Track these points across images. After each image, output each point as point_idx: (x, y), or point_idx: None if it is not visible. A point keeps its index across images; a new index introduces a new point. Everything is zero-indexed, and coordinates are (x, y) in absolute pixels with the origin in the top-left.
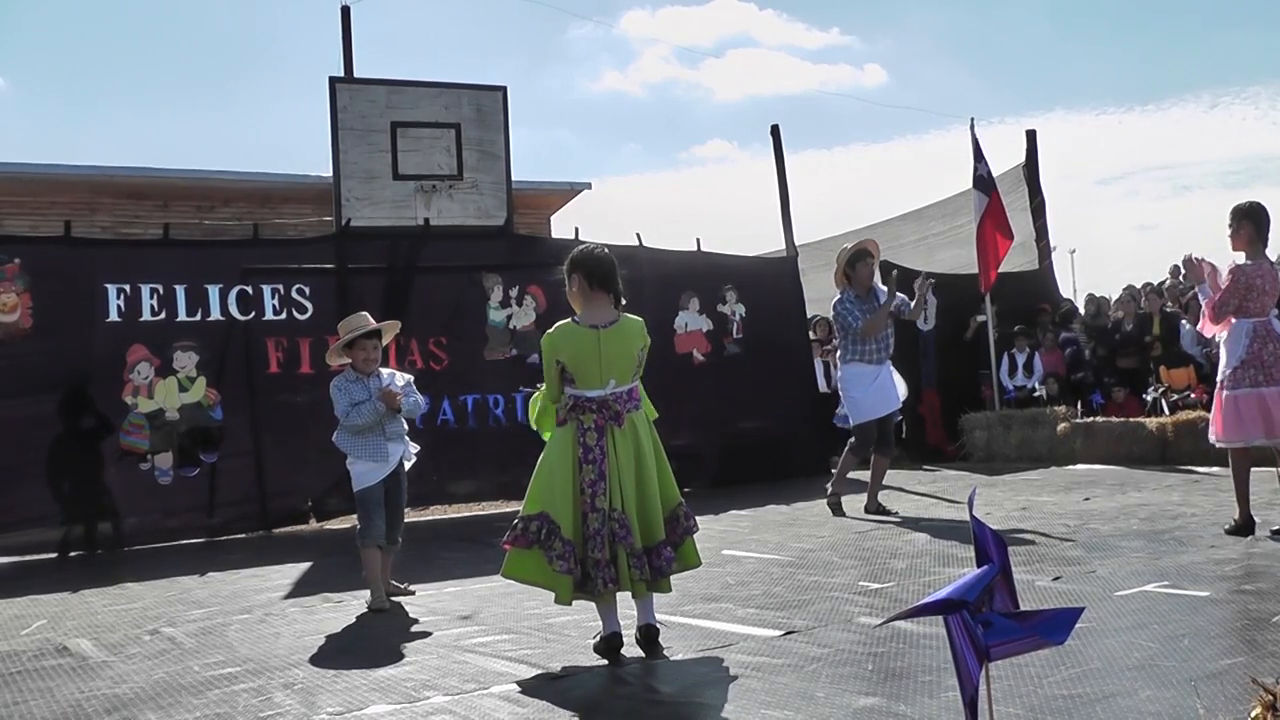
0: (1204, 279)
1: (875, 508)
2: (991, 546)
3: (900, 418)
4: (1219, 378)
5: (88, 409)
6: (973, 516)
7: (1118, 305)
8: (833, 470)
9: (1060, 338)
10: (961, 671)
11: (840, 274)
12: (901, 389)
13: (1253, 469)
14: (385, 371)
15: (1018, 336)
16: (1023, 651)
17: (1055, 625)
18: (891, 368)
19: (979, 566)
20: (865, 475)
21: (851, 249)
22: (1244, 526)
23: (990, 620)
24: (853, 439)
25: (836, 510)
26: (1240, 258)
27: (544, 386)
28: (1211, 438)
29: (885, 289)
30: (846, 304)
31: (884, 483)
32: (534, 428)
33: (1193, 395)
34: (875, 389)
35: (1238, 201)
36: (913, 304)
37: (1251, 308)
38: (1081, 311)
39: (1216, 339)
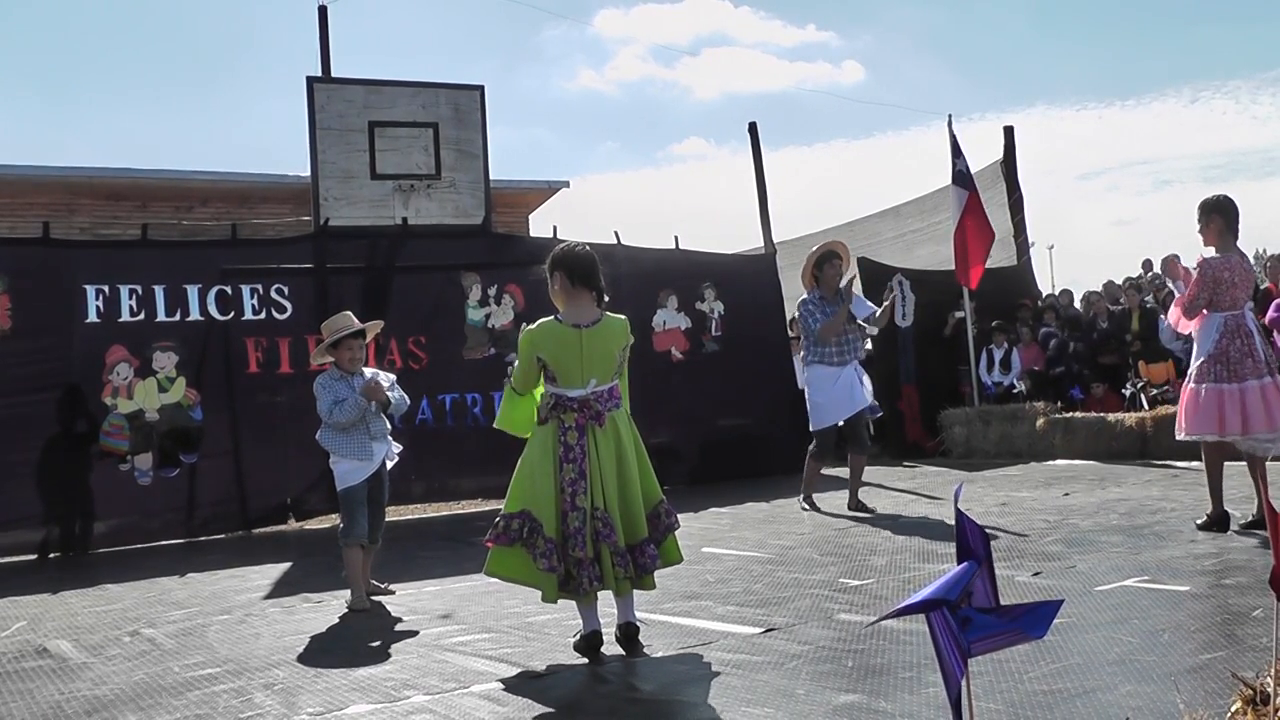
0: (1180, 277)
1: (856, 504)
2: (975, 540)
3: (880, 413)
4: (1189, 370)
5: (67, 410)
6: (957, 510)
7: (1090, 304)
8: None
9: (1040, 333)
10: (945, 669)
11: (808, 275)
12: (868, 392)
13: (1230, 463)
14: (368, 371)
15: (995, 332)
16: (1002, 646)
17: (1035, 619)
18: (858, 368)
19: (960, 561)
20: (843, 472)
21: (819, 250)
22: (1218, 521)
23: (969, 616)
24: (813, 445)
25: (816, 511)
26: (1210, 252)
27: (512, 378)
28: (1176, 431)
29: (870, 305)
30: (810, 305)
31: (863, 479)
32: (498, 426)
33: (1171, 390)
34: (836, 392)
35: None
36: (878, 313)
37: (1222, 301)
38: (1061, 301)
39: (1191, 334)
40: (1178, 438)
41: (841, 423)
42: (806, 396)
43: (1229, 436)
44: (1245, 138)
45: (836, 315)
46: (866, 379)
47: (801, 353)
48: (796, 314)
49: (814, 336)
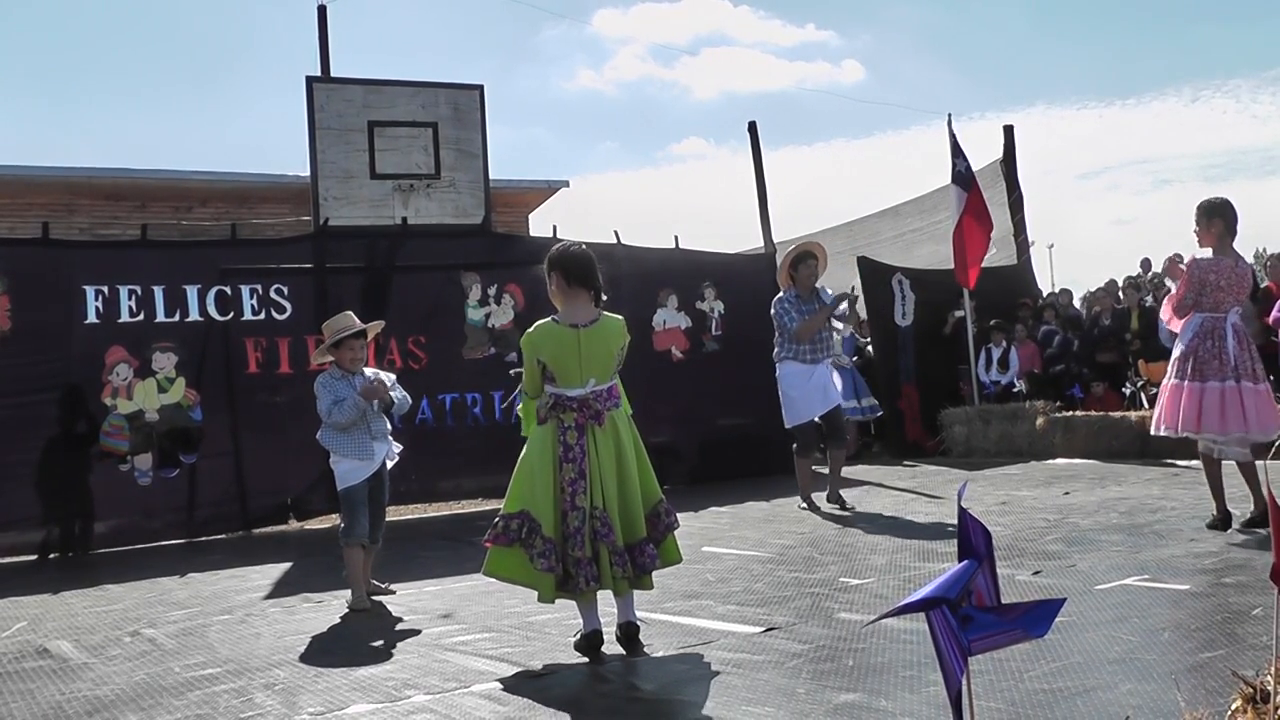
0: (1178, 277)
1: (836, 498)
2: (977, 538)
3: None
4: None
5: (67, 411)
6: (960, 507)
7: (1094, 301)
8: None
9: (1040, 332)
10: (945, 668)
11: (784, 274)
12: (840, 390)
13: (1228, 462)
14: (369, 371)
15: (994, 331)
16: (1003, 645)
17: (1036, 618)
18: (829, 367)
19: (961, 559)
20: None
21: (795, 250)
22: (1221, 520)
23: (970, 614)
24: (795, 443)
25: (816, 513)
26: (1205, 254)
27: (523, 382)
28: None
29: (830, 292)
30: (785, 304)
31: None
32: (524, 434)
33: None
34: (810, 388)
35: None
36: (846, 311)
37: (1204, 302)
38: (1061, 301)
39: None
40: (1151, 433)
41: (819, 419)
42: (780, 393)
43: (1183, 433)
44: (1245, 137)
45: (815, 316)
46: (838, 377)
47: (775, 351)
48: (771, 311)
49: (789, 334)
